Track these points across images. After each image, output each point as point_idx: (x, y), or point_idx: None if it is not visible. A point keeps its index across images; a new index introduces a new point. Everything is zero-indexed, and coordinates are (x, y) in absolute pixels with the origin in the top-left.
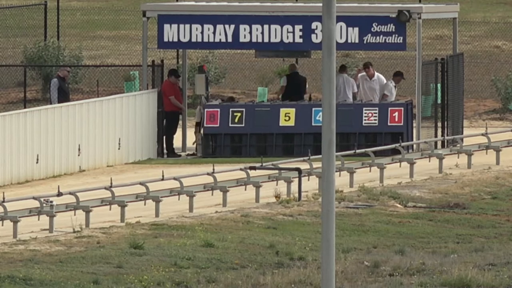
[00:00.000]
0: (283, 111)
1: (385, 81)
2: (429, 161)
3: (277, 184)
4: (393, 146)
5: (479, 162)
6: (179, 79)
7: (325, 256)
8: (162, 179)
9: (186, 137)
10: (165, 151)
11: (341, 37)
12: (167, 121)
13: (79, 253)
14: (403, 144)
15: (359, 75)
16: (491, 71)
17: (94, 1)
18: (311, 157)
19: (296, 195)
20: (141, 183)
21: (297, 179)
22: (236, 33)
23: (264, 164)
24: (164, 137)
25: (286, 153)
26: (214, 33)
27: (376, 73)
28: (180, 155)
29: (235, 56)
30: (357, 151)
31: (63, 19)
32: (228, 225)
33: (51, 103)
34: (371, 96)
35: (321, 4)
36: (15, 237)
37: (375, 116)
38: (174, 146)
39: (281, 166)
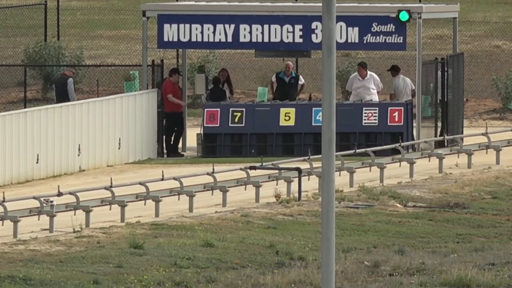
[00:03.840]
0: (283, 111)
1: (378, 79)
2: (429, 161)
3: (277, 184)
4: (393, 146)
5: (479, 162)
6: (180, 77)
7: (325, 256)
8: (162, 179)
9: (186, 137)
10: (164, 150)
11: (341, 37)
12: (167, 121)
13: (79, 253)
14: (403, 144)
15: (352, 75)
16: (491, 71)
17: (94, 1)
18: (311, 156)
19: (296, 195)
20: (141, 183)
21: (297, 179)
22: (236, 33)
23: (264, 164)
24: (164, 137)
25: (286, 153)
26: (214, 33)
27: (369, 72)
28: (183, 155)
29: (235, 56)
30: (357, 150)
31: (63, 19)
32: (228, 225)
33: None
34: (364, 95)
35: (321, 4)
36: (15, 237)
37: (375, 116)
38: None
39: (281, 166)
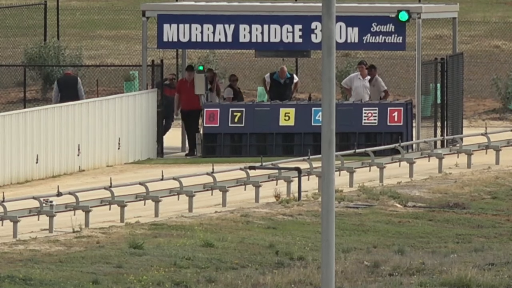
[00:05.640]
0: (283, 110)
1: (381, 81)
2: (429, 160)
3: (277, 184)
4: (392, 146)
5: (479, 162)
6: (192, 73)
7: (325, 256)
8: (162, 179)
9: (185, 136)
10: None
11: (340, 37)
12: (182, 120)
13: (78, 253)
14: (402, 143)
15: (353, 74)
16: (491, 70)
17: (94, 0)
18: (311, 156)
19: (296, 194)
20: (140, 183)
21: (297, 178)
22: (236, 33)
23: (263, 163)
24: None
25: (286, 153)
26: (213, 33)
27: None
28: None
29: (235, 56)
30: (357, 150)
31: (63, 19)
32: (228, 225)
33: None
34: (363, 94)
35: (320, 4)
36: (15, 237)
37: (375, 116)
38: (169, 145)
39: (280, 165)
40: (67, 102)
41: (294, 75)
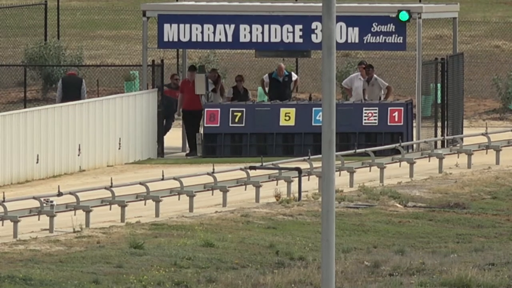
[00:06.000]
0: (283, 111)
1: (382, 81)
2: (429, 161)
3: (277, 184)
4: (393, 146)
5: (479, 162)
6: (194, 73)
7: (325, 256)
8: (162, 179)
9: (185, 136)
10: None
11: (341, 37)
12: (183, 119)
13: (79, 253)
14: (403, 144)
15: (354, 74)
16: (491, 70)
17: (94, 0)
18: (311, 156)
19: (296, 195)
20: (141, 183)
21: (297, 179)
22: (236, 33)
23: (264, 164)
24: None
25: (286, 153)
26: (214, 33)
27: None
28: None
29: (235, 56)
30: (357, 150)
31: (63, 19)
32: (228, 225)
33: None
34: (362, 94)
35: (321, 4)
36: (15, 237)
37: (375, 116)
38: (169, 145)
39: (281, 166)
40: (68, 102)
41: (293, 73)
